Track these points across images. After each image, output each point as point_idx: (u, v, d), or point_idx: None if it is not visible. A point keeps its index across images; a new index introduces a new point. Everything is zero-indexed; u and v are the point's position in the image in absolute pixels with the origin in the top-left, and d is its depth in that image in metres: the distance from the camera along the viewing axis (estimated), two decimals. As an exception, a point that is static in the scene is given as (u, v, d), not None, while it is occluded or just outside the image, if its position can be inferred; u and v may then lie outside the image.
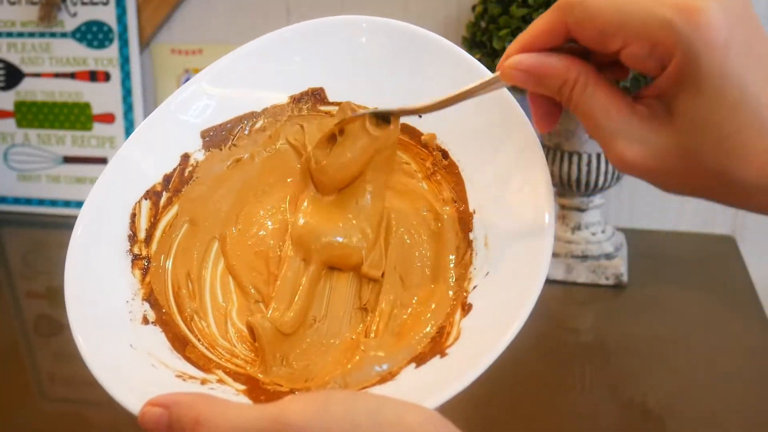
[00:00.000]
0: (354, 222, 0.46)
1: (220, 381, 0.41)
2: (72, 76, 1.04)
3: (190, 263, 0.46)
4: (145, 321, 0.42)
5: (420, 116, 0.47)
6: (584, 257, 0.83)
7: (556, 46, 0.36)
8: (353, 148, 0.44)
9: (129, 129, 1.03)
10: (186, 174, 0.48)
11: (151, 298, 0.44)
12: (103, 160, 1.05)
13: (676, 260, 0.89)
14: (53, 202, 1.07)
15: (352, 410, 0.31)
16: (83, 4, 1.02)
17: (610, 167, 0.81)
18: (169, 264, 0.46)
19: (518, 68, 0.36)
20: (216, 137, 0.49)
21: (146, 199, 0.46)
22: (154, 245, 0.46)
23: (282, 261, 0.46)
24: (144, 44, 1.03)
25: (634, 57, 0.33)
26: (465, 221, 0.45)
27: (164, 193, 0.47)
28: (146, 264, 0.45)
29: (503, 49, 0.76)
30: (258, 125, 0.50)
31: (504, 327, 0.36)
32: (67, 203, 1.07)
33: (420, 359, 0.40)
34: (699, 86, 0.32)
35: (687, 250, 0.93)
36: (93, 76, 1.03)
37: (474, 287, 0.42)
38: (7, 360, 0.74)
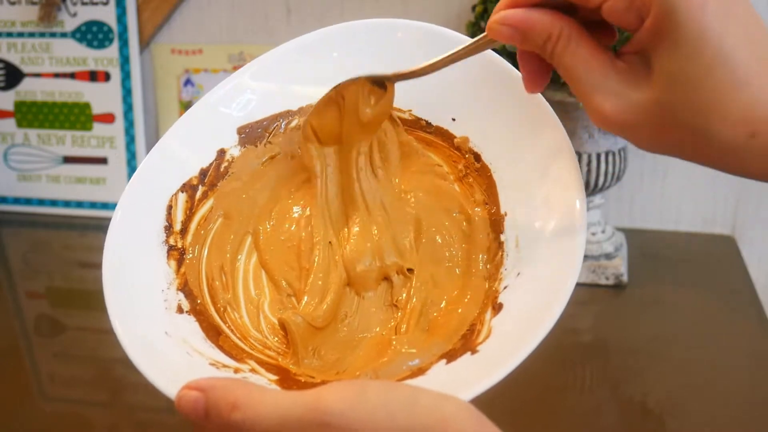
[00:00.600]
0: (385, 239, 0.47)
1: (253, 370, 0.41)
2: (72, 76, 1.04)
3: (224, 256, 0.47)
4: (180, 310, 0.44)
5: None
6: (584, 257, 0.83)
7: (542, 2, 0.36)
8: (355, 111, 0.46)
9: (129, 129, 1.03)
10: (222, 169, 0.49)
11: (185, 289, 0.45)
12: (103, 160, 1.05)
13: (676, 260, 0.89)
14: (53, 202, 1.07)
15: (389, 399, 0.31)
16: (83, 4, 1.02)
17: (610, 167, 0.81)
18: (204, 256, 0.47)
19: (504, 23, 0.36)
20: (252, 134, 0.50)
21: (183, 191, 0.47)
22: (189, 237, 0.47)
23: (313, 251, 0.47)
24: (144, 44, 1.03)
25: (614, 11, 0.34)
26: (496, 223, 0.45)
27: (200, 186, 0.48)
28: (181, 255, 0.46)
29: (503, 48, 0.76)
30: (293, 123, 0.51)
31: (535, 326, 0.37)
32: (67, 203, 1.07)
33: (451, 356, 0.40)
34: (676, 41, 0.32)
35: (687, 250, 0.93)
36: (93, 76, 1.03)
37: (505, 287, 0.42)
38: (7, 360, 0.74)
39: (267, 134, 0.50)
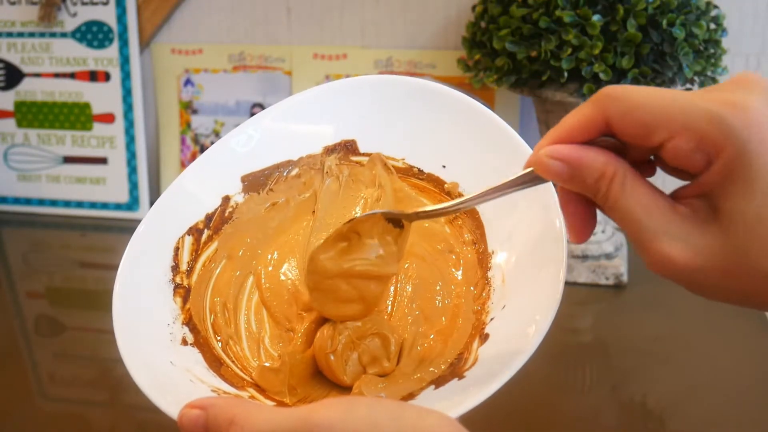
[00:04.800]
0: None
1: (252, 397, 0.44)
2: (72, 76, 1.04)
3: (227, 294, 0.50)
4: (184, 342, 0.46)
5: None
6: (584, 257, 0.83)
7: (591, 140, 0.34)
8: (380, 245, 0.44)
9: (129, 129, 1.03)
10: (226, 214, 0.53)
11: (190, 324, 0.48)
12: (103, 160, 1.05)
13: (676, 260, 0.89)
14: (53, 202, 1.07)
15: (376, 412, 0.32)
16: (83, 4, 1.02)
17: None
18: (208, 294, 0.50)
19: (555, 156, 0.34)
20: (255, 182, 0.54)
21: (189, 234, 0.51)
22: (194, 276, 0.50)
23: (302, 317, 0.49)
24: (144, 44, 1.03)
25: (679, 151, 0.32)
26: (484, 261, 0.48)
27: (205, 230, 0.52)
28: (187, 293, 0.49)
29: (503, 48, 0.76)
30: (294, 173, 0.54)
31: (517, 352, 0.39)
32: (67, 203, 1.07)
33: (439, 382, 0.43)
34: (750, 184, 0.31)
35: (687, 250, 0.93)
36: (93, 76, 1.03)
37: (491, 319, 0.45)
38: (7, 360, 0.74)
39: (269, 182, 0.54)
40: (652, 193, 0.34)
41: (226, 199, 0.53)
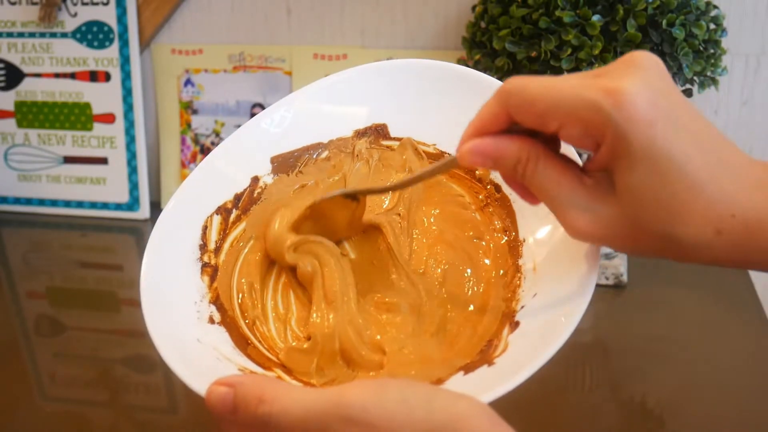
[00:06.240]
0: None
1: (279, 378, 0.43)
2: (72, 76, 1.04)
3: (254, 275, 0.50)
4: (211, 321, 0.46)
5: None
6: (584, 257, 0.83)
7: (505, 129, 0.38)
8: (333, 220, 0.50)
9: (129, 129, 1.03)
10: (255, 195, 0.52)
11: (217, 302, 0.47)
12: (103, 160, 1.05)
13: (676, 260, 0.89)
14: (53, 202, 1.07)
15: (407, 394, 0.33)
16: (83, 4, 1.02)
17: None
18: (235, 274, 0.50)
19: (474, 151, 0.38)
20: (284, 163, 0.54)
21: (217, 214, 0.51)
22: (222, 256, 0.50)
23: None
24: (144, 44, 1.03)
25: (571, 137, 0.36)
26: (515, 249, 0.48)
27: (234, 210, 0.51)
28: (214, 271, 0.49)
29: (503, 49, 0.76)
30: (323, 155, 0.54)
31: (549, 341, 0.39)
32: (67, 203, 1.07)
33: (468, 368, 0.42)
34: (631, 160, 0.34)
35: (687, 250, 0.93)
36: (93, 76, 1.03)
37: (522, 307, 0.44)
38: (7, 360, 0.74)
39: (299, 164, 0.54)
40: (561, 170, 0.37)
41: (255, 180, 0.53)
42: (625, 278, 0.82)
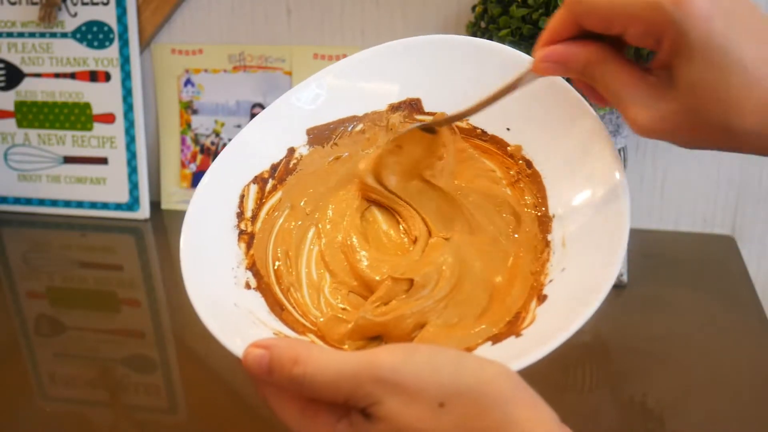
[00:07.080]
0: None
1: (312, 342, 0.45)
2: (72, 76, 1.04)
3: (289, 243, 0.52)
4: (248, 286, 0.48)
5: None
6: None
7: (574, 36, 0.41)
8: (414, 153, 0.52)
9: (129, 129, 1.03)
10: (291, 165, 0.54)
11: (253, 269, 0.49)
12: (103, 160, 1.05)
13: (676, 260, 0.89)
14: (53, 202, 1.07)
15: (437, 358, 0.34)
16: (83, 4, 1.02)
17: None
18: (271, 242, 0.52)
19: (546, 60, 0.41)
20: (320, 135, 0.55)
21: (254, 183, 0.52)
22: (258, 224, 0.51)
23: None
24: (144, 44, 1.03)
25: (635, 37, 0.38)
26: (544, 224, 0.49)
27: (270, 180, 0.53)
28: (251, 239, 0.50)
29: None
30: (358, 128, 0.56)
31: (576, 313, 0.40)
32: (67, 203, 1.07)
33: (496, 338, 0.44)
34: (690, 55, 0.36)
35: (687, 250, 0.93)
36: (93, 76, 1.03)
37: (550, 281, 0.45)
38: (7, 360, 0.74)
39: (334, 136, 0.55)
40: (626, 69, 0.40)
41: (291, 151, 0.54)
42: (625, 278, 0.82)
